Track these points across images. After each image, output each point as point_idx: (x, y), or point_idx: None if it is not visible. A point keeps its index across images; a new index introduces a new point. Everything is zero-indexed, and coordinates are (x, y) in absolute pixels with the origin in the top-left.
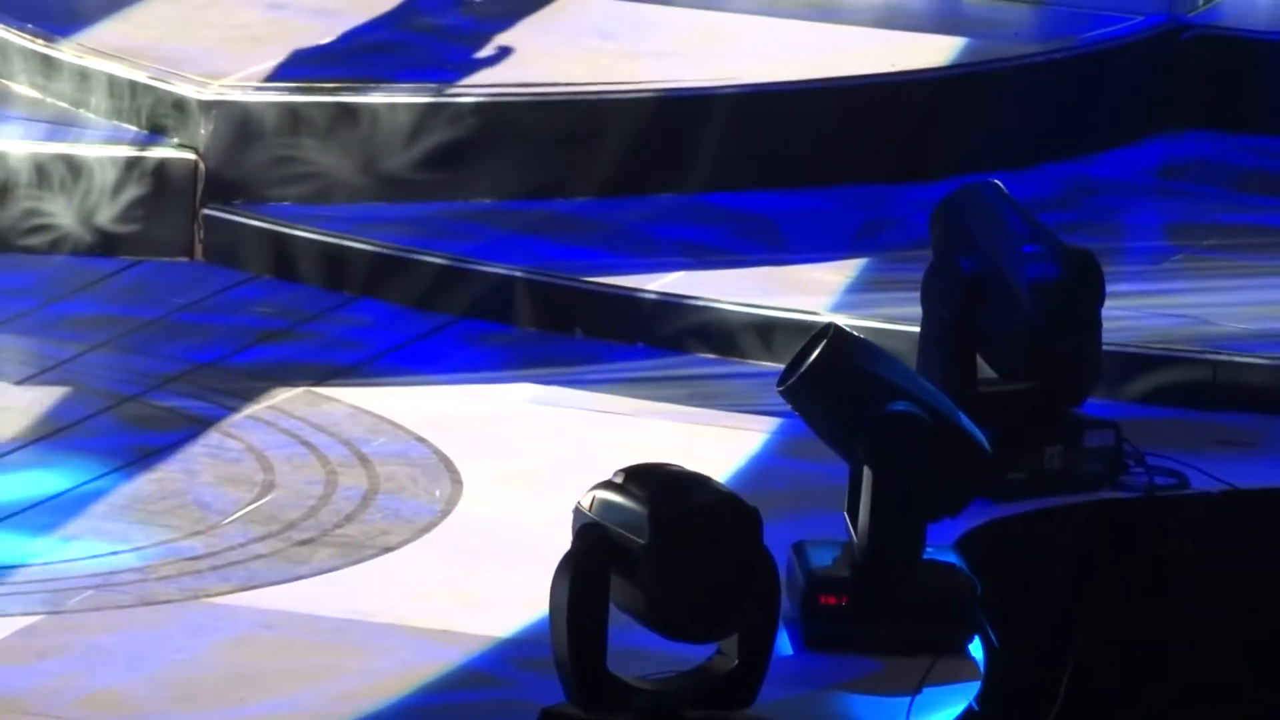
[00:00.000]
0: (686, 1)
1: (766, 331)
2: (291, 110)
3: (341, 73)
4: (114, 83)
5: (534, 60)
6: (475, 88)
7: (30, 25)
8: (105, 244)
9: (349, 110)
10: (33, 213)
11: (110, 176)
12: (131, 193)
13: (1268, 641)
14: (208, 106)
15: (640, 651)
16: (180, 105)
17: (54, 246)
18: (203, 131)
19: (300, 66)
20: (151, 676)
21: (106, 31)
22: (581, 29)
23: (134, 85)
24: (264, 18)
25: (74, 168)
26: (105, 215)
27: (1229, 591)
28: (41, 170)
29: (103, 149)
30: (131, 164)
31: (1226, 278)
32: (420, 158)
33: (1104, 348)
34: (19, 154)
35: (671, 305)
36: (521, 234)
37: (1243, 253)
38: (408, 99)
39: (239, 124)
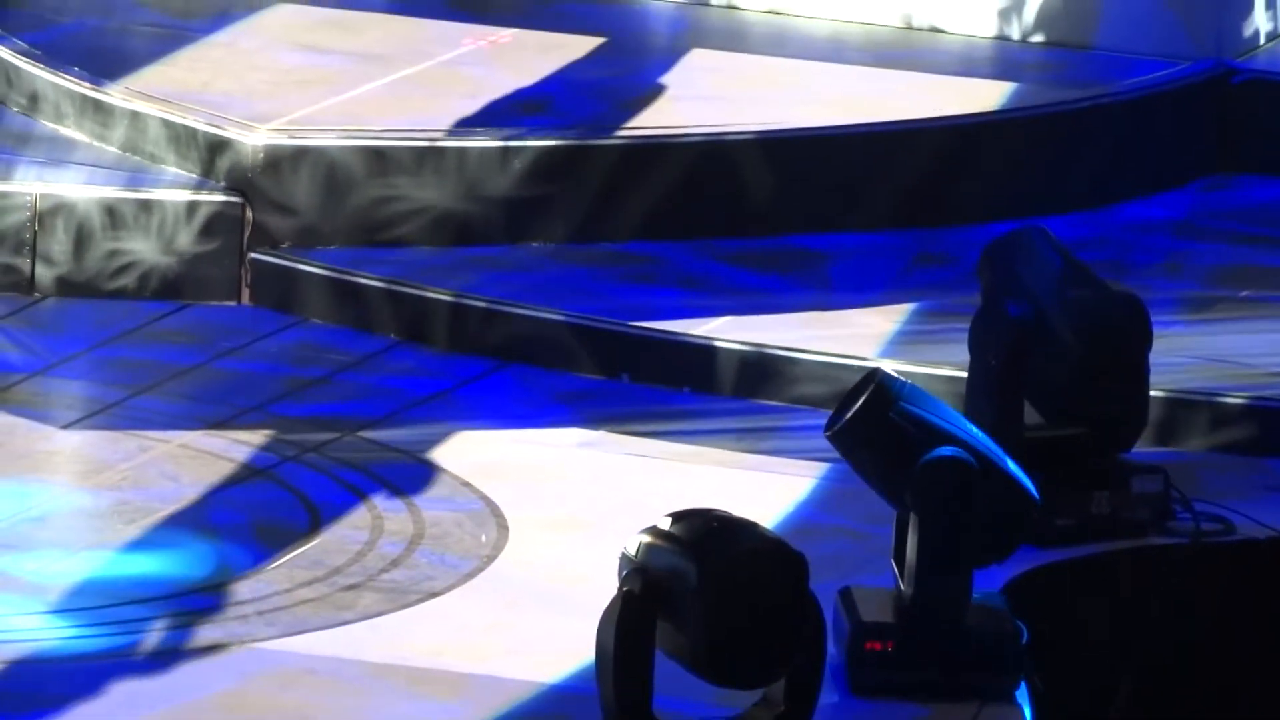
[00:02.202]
0: (748, 48)
1: (813, 376)
2: (340, 155)
3: (388, 118)
4: (161, 127)
5: (583, 105)
6: (528, 132)
7: (76, 68)
8: (150, 287)
9: (399, 154)
10: (114, 254)
11: (158, 221)
12: (178, 237)
13: None
14: (255, 150)
15: (683, 699)
16: (227, 149)
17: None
18: (250, 175)
19: (348, 111)
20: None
21: (154, 75)
22: (629, 72)
23: (181, 129)
24: (311, 62)
25: (122, 212)
26: (162, 257)
27: (1277, 639)
28: (91, 215)
29: (150, 193)
30: (179, 208)
31: (1275, 319)
32: (470, 202)
33: (1151, 392)
34: (79, 199)
35: (718, 350)
36: (569, 277)
37: None
38: (458, 143)
39: (286, 167)
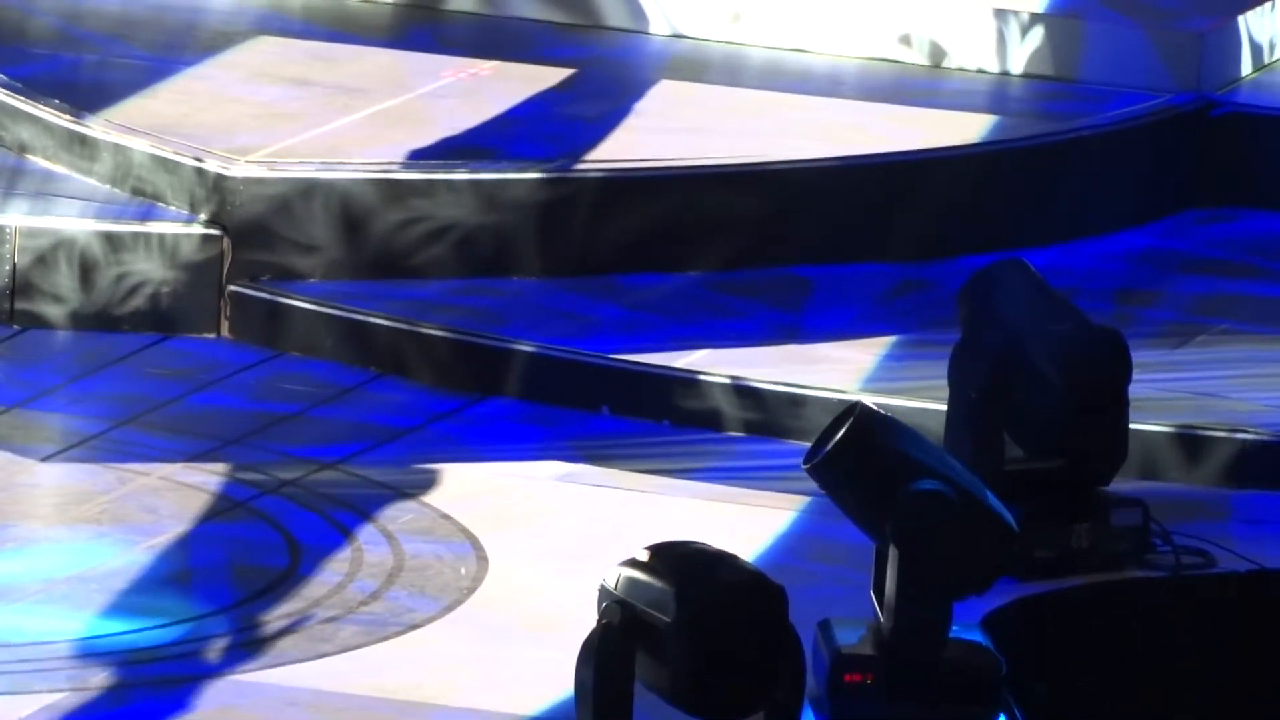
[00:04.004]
0: (741, 82)
1: (793, 408)
2: (319, 187)
3: (371, 149)
4: (141, 160)
5: (565, 137)
6: (508, 165)
7: (57, 101)
8: (129, 320)
9: (379, 186)
10: (87, 287)
11: (134, 252)
12: (157, 269)
13: None
14: (235, 182)
15: None
16: (207, 181)
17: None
18: (229, 208)
19: (328, 143)
20: None
21: (134, 109)
22: (610, 105)
23: (160, 161)
24: (291, 95)
25: (101, 247)
26: (140, 290)
27: (1257, 671)
28: (71, 248)
29: (130, 226)
30: (157, 239)
31: (1254, 352)
32: (449, 235)
33: (1131, 425)
34: (57, 231)
35: (698, 382)
36: (548, 309)
37: (1272, 327)
38: (438, 175)
39: (266, 200)
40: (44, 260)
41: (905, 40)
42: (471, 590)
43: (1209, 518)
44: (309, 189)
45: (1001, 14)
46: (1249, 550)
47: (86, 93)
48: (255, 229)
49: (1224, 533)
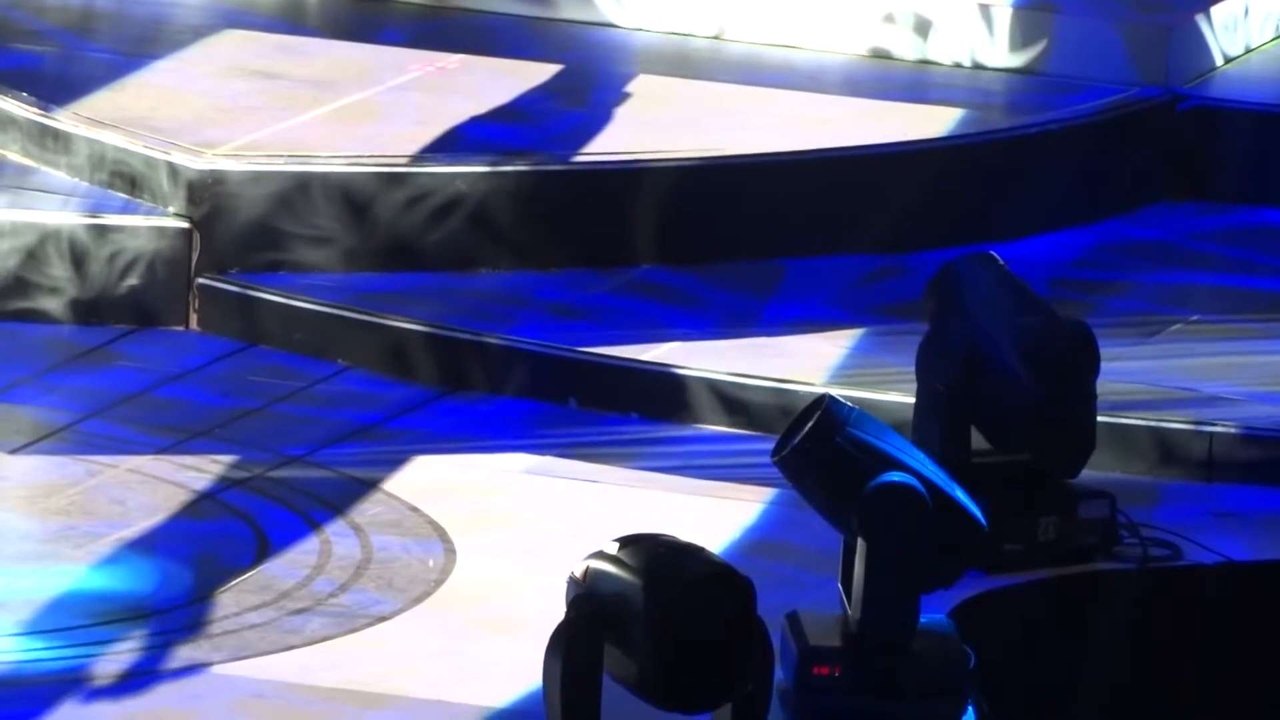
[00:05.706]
0: (717, 76)
1: (761, 402)
2: (287, 179)
3: (338, 143)
4: (106, 152)
5: (535, 130)
6: (477, 158)
7: (25, 94)
8: (98, 312)
9: (346, 180)
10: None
11: (103, 245)
12: (126, 262)
13: (1263, 715)
14: (203, 175)
15: None
16: (174, 174)
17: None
18: (198, 200)
19: (295, 137)
20: None
21: (101, 102)
22: (579, 98)
23: (129, 154)
24: (258, 87)
25: (69, 240)
26: (106, 284)
27: (1224, 664)
28: (42, 244)
29: (96, 219)
30: (126, 232)
31: (1224, 342)
32: (418, 228)
33: (1099, 418)
34: (24, 226)
35: (666, 375)
36: (517, 302)
37: (1240, 320)
38: (406, 169)
39: (233, 193)
40: (14, 253)
41: (877, 35)
42: (440, 583)
43: (1177, 510)
44: (277, 181)
45: (972, 8)
46: (1217, 542)
47: (52, 87)
48: (224, 221)
49: (1192, 525)
